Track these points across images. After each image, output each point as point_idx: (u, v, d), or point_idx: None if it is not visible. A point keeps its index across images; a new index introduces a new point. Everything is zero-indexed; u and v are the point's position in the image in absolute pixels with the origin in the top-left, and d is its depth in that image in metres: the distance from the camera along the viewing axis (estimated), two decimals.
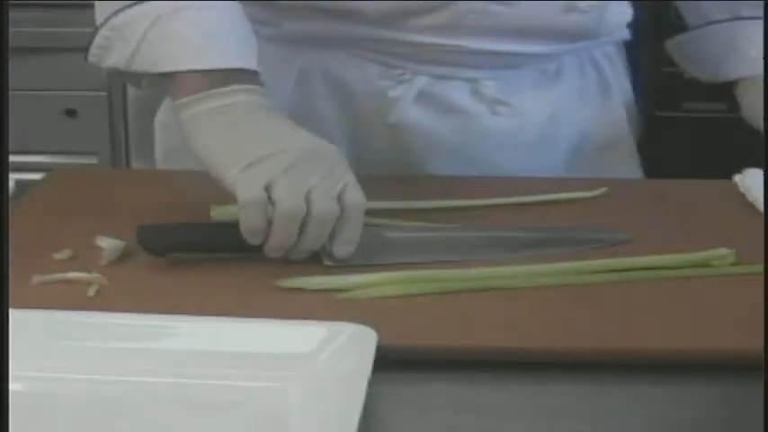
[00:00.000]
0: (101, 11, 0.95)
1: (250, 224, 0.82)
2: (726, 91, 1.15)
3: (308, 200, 0.82)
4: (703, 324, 0.78)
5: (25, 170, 1.71)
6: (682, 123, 1.79)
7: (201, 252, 0.86)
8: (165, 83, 0.93)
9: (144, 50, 0.92)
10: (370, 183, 0.86)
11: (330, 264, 0.85)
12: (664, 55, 1.24)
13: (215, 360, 0.70)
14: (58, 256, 0.85)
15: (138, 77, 0.96)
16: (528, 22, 1.05)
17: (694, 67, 1.24)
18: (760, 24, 1.16)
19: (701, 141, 1.89)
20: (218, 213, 0.90)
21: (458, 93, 1.08)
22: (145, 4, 0.92)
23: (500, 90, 1.08)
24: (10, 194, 0.88)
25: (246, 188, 0.82)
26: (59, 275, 0.81)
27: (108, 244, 0.85)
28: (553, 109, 1.12)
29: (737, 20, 1.17)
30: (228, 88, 0.88)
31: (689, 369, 0.73)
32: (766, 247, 0.86)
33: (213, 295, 0.80)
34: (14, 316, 0.69)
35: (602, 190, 1.02)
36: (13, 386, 0.65)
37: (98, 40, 0.95)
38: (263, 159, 0.83)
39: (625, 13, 1.15)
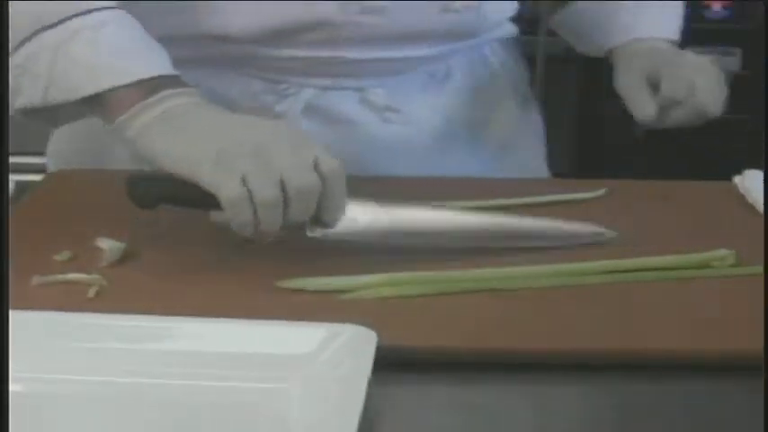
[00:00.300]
0: None
1: (240, 220, 0.81)
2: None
3: (283, 180, 0.81)
4: (703, 324, 0.78)
5: (25, 171, 1.71)
6: None
7: (190, 207, 0.85)
8: (91, 107, 0.89)
9: (57, 81, 0.87)
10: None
11: (315, 235, 0.84)
12: None
13: (215, 361, 0.70)
14: (57, 257, 0.85)
15: (53, 112, 0.91)
16: (405, 28, 1.03)
17: (576, 43, 1.23)
18: None
19: (701, 142, 1.89)
20: (219, 215, 0.90)
21: (346, 102, 1.07)
22: (39, 37, 0.87)
23: (389, 97, 1.07)
24: (9, 196, 0.88)
25: (226, 187, 0.80)
26: (59, 276, 0.81)
27: (108, 245, 0.85)
28: (445, 111, 1.11)
29: None
30: (160, 95, 0.86)
31: (689, 369, 0.73)
32: (766, 249, 0.86)
33: (213, 296, 0.80)
34: (14, 317, 0.69)
35: (602, 190, 1.02)
36: (12, 387, 0.65)
37: None
38: (229, 152, 0.81)
39: (506, 9, 1.14)
